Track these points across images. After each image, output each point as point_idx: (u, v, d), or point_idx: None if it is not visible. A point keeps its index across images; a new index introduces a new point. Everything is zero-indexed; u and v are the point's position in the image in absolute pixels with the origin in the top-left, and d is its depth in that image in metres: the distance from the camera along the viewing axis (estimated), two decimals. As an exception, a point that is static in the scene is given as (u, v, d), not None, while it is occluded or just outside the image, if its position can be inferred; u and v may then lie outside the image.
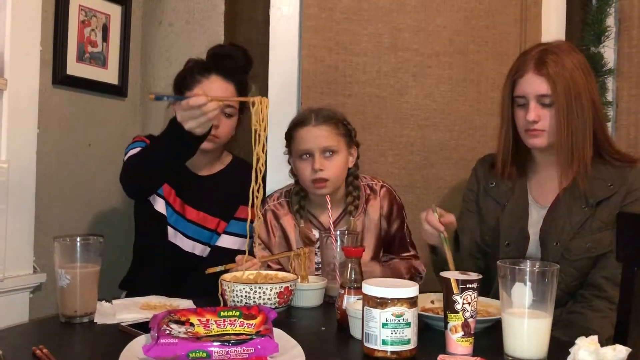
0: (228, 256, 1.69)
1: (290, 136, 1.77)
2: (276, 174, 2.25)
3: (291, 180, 1.89)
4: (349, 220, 1.77)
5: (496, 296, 1.42)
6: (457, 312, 1.10)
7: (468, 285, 1.10)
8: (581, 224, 1.52)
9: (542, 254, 1.55)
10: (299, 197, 1.80)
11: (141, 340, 1.10)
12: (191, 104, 1.49)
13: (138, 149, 1.79)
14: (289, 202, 1.82)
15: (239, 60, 1.92)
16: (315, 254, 1.75)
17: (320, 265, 1.68)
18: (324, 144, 1.70)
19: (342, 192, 1.80)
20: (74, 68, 2.06)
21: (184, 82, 1.85)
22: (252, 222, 1.46)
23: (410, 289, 1.07)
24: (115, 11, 2.24)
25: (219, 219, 1.86)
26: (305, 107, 1.85)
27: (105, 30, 2.20)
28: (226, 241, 1.85)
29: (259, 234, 1.80)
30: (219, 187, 1.90)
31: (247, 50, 1.98)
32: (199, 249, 1.85)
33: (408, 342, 1.06)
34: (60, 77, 2.01)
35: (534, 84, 1.50)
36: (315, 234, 1.78)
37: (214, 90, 1.80)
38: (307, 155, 1.72)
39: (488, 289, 1.53)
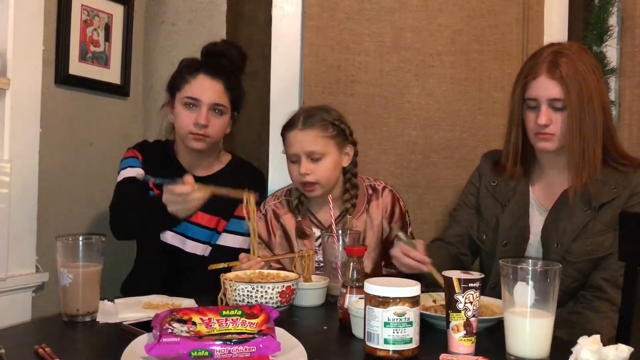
0: (230, 254, 1.69)
1: (282, 137, 1.78)
2: (277, 173, 2.26)
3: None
4: (346, 219, 1.76)
5: (490, 295, 1.42)
6: (459, 311, 1.10)
7: (470, 285, 1.10)
8: (582, 226, 1.51)
9: (543, 256, 1.55)
10: (299, 192, 1.80)
11: (143, 339, 1.10)
12: (177, 192, 1.54)
13: (129, 170, 1.83)
14: (289, 200, 1.82)
15: (234, 57, 1.90)
16: (316, 252, 1.75)
17: (321, 264, 1.68)
18: (309, 149, 1.70)
19: (339, 192, 1.80)
20: (77, 67, 2.07)
21: (175, 83, 1.84)
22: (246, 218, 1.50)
23: (412, 288, 1.07)
24: (118, 11, 2.24)
25: (219, 217, 1.86)
26: (301, 106, 1.84)
27: (107, 29, 2.20)
28: (227, 240, 1.85)
29: (259, 233, 1.80)
30: (218, 187, 1.89)
31: (241, 47, 1.97)
32: (200, 249, 1.85)
33: (410, 341, 1.06)
34: (62, 77, 2.02)
35: (546, 88, 1.48)
36: (316, 232, 1.78)
37: (203, 89, 1.79)
38: (295, 158, 1.72)
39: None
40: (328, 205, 1.67)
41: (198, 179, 1.87)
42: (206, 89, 1.79)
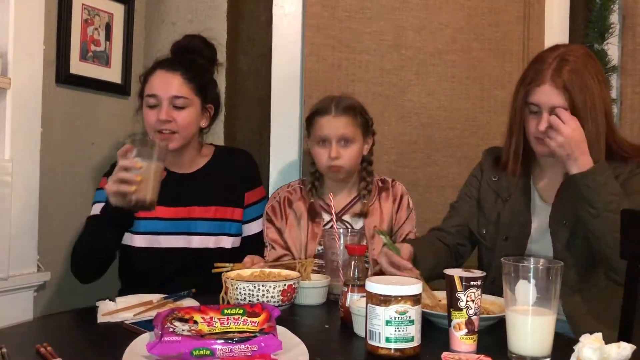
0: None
1: (310, 122, 1.84)
2: (278, 173, 2.26)
3: (295, 178, 1.92)
4: (364, 203, 1.83)
5: (491, 289, 1.42)
6: (460, 309, 1.10)
7: (472, 283, 1.10)
8: None
9: (552, 244, 1.54)
10: (314, 177, 1.88)
11: (145, 338, 1.10)
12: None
13: (97, 207, 1.72)
14: (302, 188, 1.89)
15: (200, 49, 1.86)
16: (319, 251, 1.76)
17: (323, 263, 1.68)
18: (341, 132, 1.77)
19: (356, 178, 1.87)
20: (77, 67, 2.07)
21: (141, 87, 1.81)
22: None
23: (413, 287, 1.07)
24: (118, 10, 2.24)
25: (216, 206, 1.82)
26: (327, 96, 1.87)
27: (108, 29, 2.20)
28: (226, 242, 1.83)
29: (272, 218, 1.85)
30: (205, 182, 1.84)
31: (206, 38, 1.91)
32: (212, 241, 1.81)
33: (412, 339, 1.06)
34: (63, 76, 2.02)
35: (549, 96, 1.47)
36: (325, 217, 1.82)
37: (160, 84, 1.73)
38: (325, 142, 1.79)
39: None
40: (341, 191, 1.82)
41: (182, 177, 1.83)
42: (163, 82, 1.73)
